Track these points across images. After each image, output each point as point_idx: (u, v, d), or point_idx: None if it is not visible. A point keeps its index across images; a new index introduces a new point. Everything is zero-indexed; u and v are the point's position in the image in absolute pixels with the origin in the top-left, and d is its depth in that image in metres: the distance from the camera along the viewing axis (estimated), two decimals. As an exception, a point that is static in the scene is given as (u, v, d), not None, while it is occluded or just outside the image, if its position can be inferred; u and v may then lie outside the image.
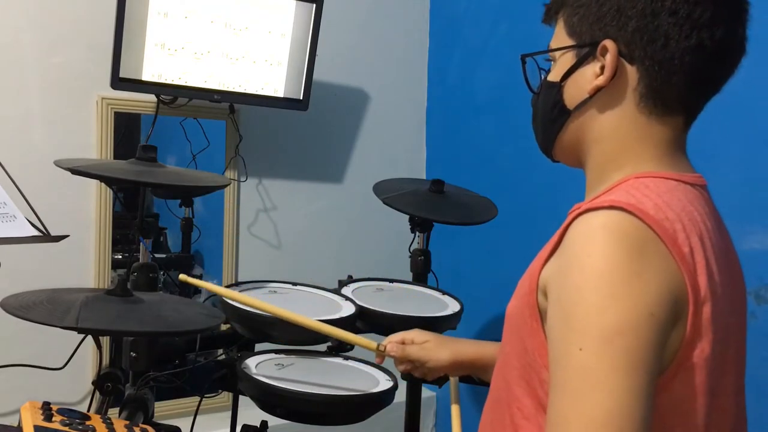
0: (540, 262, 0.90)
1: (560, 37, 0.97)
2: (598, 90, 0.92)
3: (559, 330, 0.81)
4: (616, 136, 0.93)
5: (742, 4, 0.91)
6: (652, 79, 0.89)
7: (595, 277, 0.78)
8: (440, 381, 1.58)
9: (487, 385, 1.34)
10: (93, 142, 2.09)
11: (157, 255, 2.19)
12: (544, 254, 0.89)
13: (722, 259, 0.88)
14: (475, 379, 1.44)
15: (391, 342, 1.33)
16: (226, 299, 1.53)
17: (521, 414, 0.92)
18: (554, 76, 0.97)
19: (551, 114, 0.98)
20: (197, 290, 2.42)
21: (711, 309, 0.83)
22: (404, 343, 1.32)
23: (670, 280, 0.80)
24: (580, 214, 0.84)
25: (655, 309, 0.78)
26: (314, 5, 2.19)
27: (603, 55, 0.91)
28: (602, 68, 0.91)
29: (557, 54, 0.97)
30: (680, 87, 0.89)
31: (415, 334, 1.33)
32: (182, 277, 1.39)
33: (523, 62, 1.03)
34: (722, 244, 0.91)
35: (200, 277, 2.42)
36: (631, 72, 0.90)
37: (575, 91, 0.95)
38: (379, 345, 1.33)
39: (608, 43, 0.89)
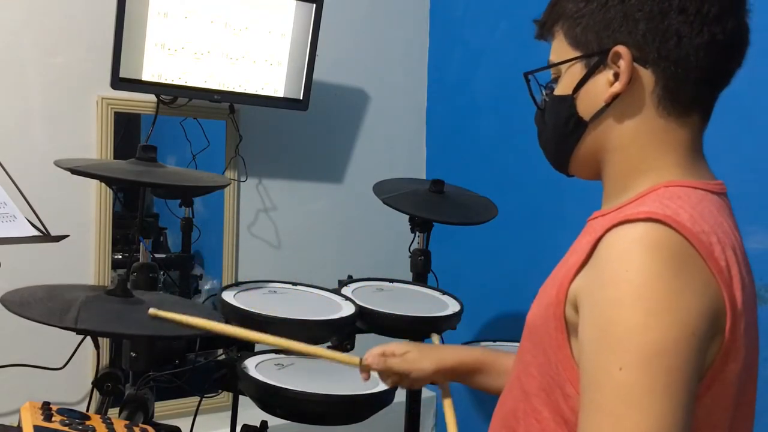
0: (569, 274, 0.86)
1: (562, 49, 0.94)
2: (614, 98, 0.90)
3: (596, 347, 0.79)
4: (637, 143, 0.91)
5: None
6: (669, 79, 0.88)
7: (635, 294, 0.76)
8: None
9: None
10: (93, 142, 2.09)
11: (157, 255, 2.19)
12: (574, 265, 0.86)
13: (747, 269, 0.88)
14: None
15: (372, 355, 1.30)
16: (227, 293, 1.53)
17: (539, 426, 0.90)
18: (564, 89, 0.95)
19: (565, 128, 0.95)
20: (197, 290, 2.42)
21: (746, 323, 0.82)
22: (385, 355, 1.29)
23: (709, 295, 0.78)
24: (614, 225, 0.81)
25: (696, 327, 0.76)
26: (314, 5, 2.19)
27: (615, 61, 0.89)
28: (616, 75, 0.89)
29: (563, 67, 0.94)
30: (696, 84, 0.88)
31: (395, 346, 1.30)
32: (152, 311, 1.28)
33: (527, 80, 1.00)
34: (744, 252, 0.89)
35: (200, 278, 2.43)
36: (646, 75, 0.88)
37: (590, 102, 0.92)
38: (361, 360, 1.30)
39: (620, 49, 0.87)
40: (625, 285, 0.77)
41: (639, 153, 0.91)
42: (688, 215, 0.81)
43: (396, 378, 1.30)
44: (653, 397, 0.74)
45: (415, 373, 1.27)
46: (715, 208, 0.87)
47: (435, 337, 1.34)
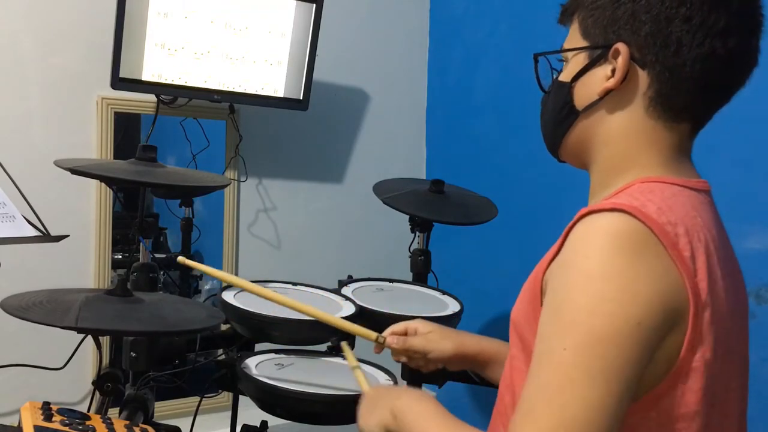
0: (543, 267, 0.89)
1: (574, 38, 0.97)
2: (607, 92, 0.92)
3: (546, 325, 0.82)
4: (624, 140, 0.93)
5: (758, 15, 0.90)
6: (662, 84, 0.89)
7: (588, 280, 0.79)
8: (440, 380, 1.58)
9: (487, 384, 1.34)
10: (93, 142, 2.09)
11: (157, 255, 2.19)
12: (547, 258, 0.89)
13: (727, 264, 0.89)
14: (475, 379, 1.44)
15: (394, 332, 1.31)
16: (227, 293, 1.53)
17: None
18: (565, 77, 0.97)
19: (560, 114, 0.98)
20: (197, 290, 2.42)
21: (712, 313, 0.83)
22: (407, 332, 1.30)
23: (667, 285, 0.80)
24: (582, 216, 0.84)
25: (645, 318, 0.78)
26: (314, 5, 2.19)
27: (615, 58, 0.91)
28: (613, 71, 0.91)
29: (570, 54, 0.97)
30: (689, 94, 0.89)
31: (418, 324, 1.31)
32: (181, 259, 1.33)
33: (536, 61, 1.03)
34: (726, 250, 0.91)
35: (200, 278, 2.43)
36: (642, 76, 0.90)
37: (585, 93, 0.95)
38: (378, 336, 1.30)
39: (621, 47, 0.89)
40: (582, 271, 0.80)
41: (624, 151, 0.93)
42: (655, 207, 0.83)
43: (411, 356, 1.30)
44: (588, 381, 0.76)
45: (434, 353, 1.27)
46: (690, 203, 0.88)
47: (345, 345, 1.36)
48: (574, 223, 0.85)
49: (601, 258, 0.79)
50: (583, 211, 0.85)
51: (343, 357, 1.58)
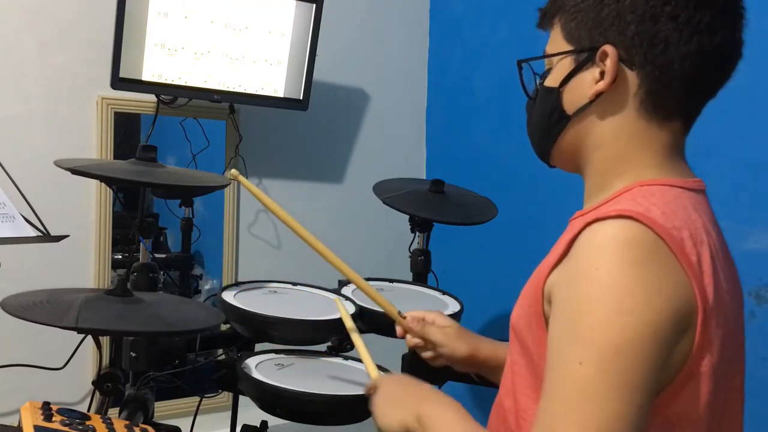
0: (545, 271, 0.88)
1: (557, 41, 0.96)
2: (598, 95, 0.91)
3: (561, 339, 0.81)
4: (617, 142, 0.92)
5: (740, 9, 0.91)
6: (652, 84, 0.89)
7: (602, 292, 0.78)
8: (440, 380, 1.58)
9: (489, 385, 1.34)
10: (93, 142, 2.09)
11: (157, 255, 2.19)
12: (550, 263, 0.88)
13: (726, 265, 0.89)
14: (474, 379, 1.44)
15: (413, 317, 1.31)
16: (227, 293, 1.53)
17: (528, 423, 0.91)
18: (552, 82, 0.97)
19: (549, 120, 0.97)
20: (197, 290, 2.42)
21: (718, 317, 0.83)
22: (425, 320, 1.30)
23: (678, 290, 0.79)
24: (588, 224, 0.83)
25: (659, 325, 0.78)
26: (314, 5, 2.19)
27: (603, 60, 0.90)
28: (602, 73, 0.90)
29: (555, 59, 0.96)
30: (680, 92, 0.89)
31: (436, 316, 1.31)
32: (234, 172, 1.29)
33: (520, 68, 1.03)
34: (723, 250, 0.91)
35: (200, 278, 2.43)
36: (631, 77, 0.90)
37: (574, 97, 0.94)
38: (400, 312, 1.30)
39: (608, 48, 0.89)
40: (594, 282, 0.79)
41: (618, 152, 0.92)
42: (660, 211, 0.82)
43: (421, 343, 1.30)
44: (608, 394, 0.76)
45: (447, 349, 1.27)
46: (691, 204, 0.88)
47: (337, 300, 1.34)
48: (579, 231, 0.84)
49: (612, 268, 0.78)
50: (588, 218, 0.84)
51: (342, 354, 1.58)
